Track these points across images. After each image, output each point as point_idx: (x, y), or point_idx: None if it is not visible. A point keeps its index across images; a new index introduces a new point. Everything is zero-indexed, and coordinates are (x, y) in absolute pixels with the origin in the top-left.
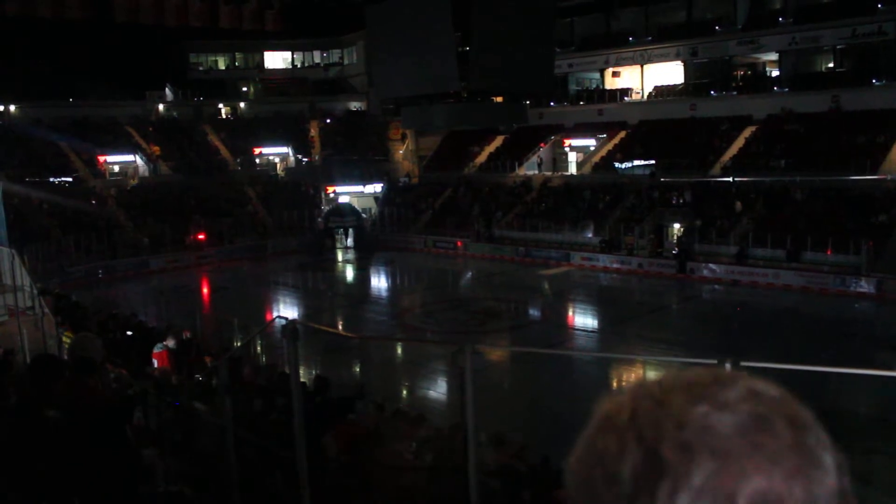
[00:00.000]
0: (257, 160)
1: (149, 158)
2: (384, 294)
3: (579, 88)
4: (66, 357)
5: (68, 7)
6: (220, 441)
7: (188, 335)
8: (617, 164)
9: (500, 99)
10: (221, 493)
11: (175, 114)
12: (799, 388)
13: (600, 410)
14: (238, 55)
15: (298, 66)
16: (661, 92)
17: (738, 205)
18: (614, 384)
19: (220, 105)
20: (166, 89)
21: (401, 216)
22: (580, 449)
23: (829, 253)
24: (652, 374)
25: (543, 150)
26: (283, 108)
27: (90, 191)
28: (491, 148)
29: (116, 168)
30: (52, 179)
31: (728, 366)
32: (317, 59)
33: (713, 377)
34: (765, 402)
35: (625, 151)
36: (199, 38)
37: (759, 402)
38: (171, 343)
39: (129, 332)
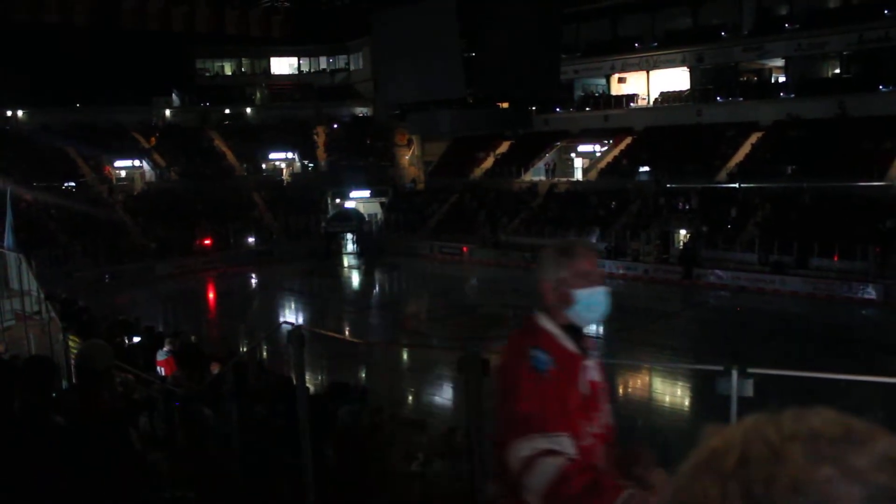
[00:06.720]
0: (263, 166)
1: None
2: (389, 299)
3: (585, 94)
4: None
5: (76, 13)
6: (227, 446)
7: (194, 339)
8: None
9: (505, 105)
10: (228, 499)
11: (181, 119)
12: (805, 396)
13: (705, 444)
14: (244, 61)
15: (304, 71)
16: (667, 98)
17: (733, 210)
18: (620, 391)
19: (227, 111)
20: (173, 95)
21: (406, 222)
22: (677, 483)
23: (835, 259)
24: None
25: (550, 155)
26: (290, 113)
27: (97, 196)
28: (497, 154)
29: (123, 173)
30: (59, 185)
31: (735, 373)
32: (323, 66)
33: (845, 431)
34: None
35: (631, 157)
36: (205, 44)
37: None
38: (170, 348)
39: (136, 338)
